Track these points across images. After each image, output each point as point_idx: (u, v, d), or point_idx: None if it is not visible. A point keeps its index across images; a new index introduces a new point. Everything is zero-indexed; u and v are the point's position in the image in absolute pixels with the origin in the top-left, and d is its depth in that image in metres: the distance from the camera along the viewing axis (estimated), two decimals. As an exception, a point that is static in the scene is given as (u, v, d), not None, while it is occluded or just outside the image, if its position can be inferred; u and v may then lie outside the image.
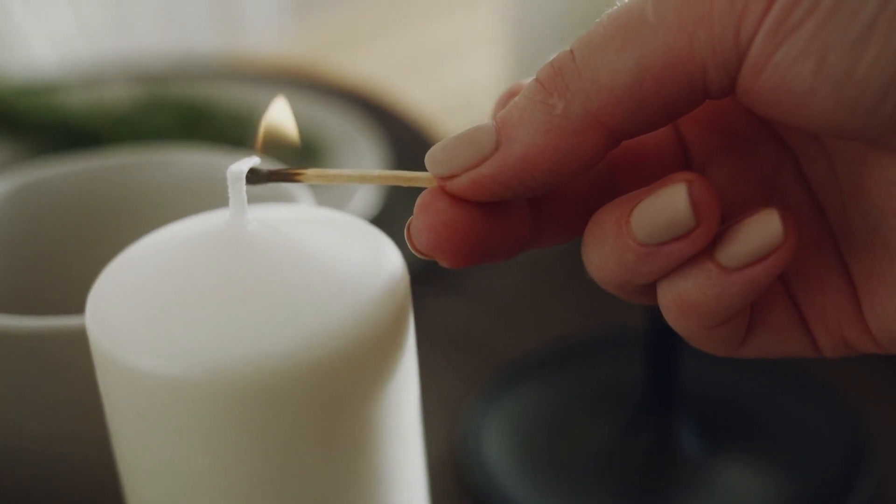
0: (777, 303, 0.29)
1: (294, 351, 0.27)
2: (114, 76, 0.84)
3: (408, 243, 0.28)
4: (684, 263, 0.26)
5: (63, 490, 0.40)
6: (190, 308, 0.28)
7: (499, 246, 0.28)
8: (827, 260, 0.28)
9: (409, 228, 0.28)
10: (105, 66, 0.88)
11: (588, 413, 0.52)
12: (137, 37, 1.31)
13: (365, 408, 0.29)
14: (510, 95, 0.30)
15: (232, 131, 0.71)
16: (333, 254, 0.30)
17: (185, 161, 0.48)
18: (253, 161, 0.30)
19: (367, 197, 0.61)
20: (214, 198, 0.42)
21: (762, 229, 0.25)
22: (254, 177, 0.30)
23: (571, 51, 0.26)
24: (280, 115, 0.32)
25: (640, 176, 0.29)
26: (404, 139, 0.74)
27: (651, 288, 0.28)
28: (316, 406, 0.28)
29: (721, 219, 0.26)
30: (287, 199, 0.43)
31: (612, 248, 0.27)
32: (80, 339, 0.35)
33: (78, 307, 0.38)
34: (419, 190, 0.29)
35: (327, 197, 0.58)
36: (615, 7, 0.26)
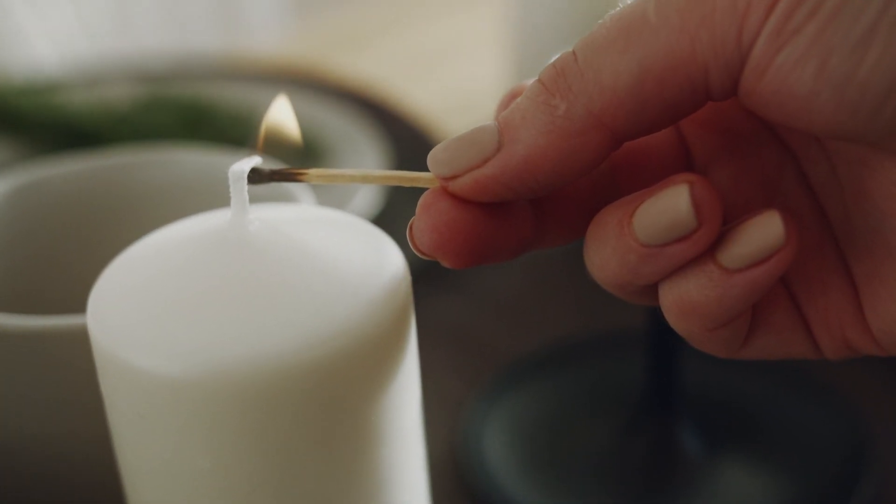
0: (779, 304, 0.29)
1: (295, 351, 0.27)
2: (115, 76, 0.84)
3: (410, 244, 0.28)
4: (686, 265, 0.26)
5: (64, 490, 0.40)
6: (191, 308, 0.28)
7: (501, 247, 0.28)
8: (828, 262, 0.28)
9: (411, 229, 0.28)
10: (106, 66, 0.88)
11: (589, 413, 0.52)
12: (138, 37, 1.31)
13: (366, 408, 0.29)
14: (512, 96, 0.30)
15: (233, 131, 0.71)
16: (335, 254, 0.30)
17: (186, 161, 0.49)
18: (254, 161, 0.30)
19: (368, 197, 0.61)
20: (215, 197, 0.42)
21: (764, 231, 0.25)
22: (255, 176, 0.30)
23: (574, 52, 0.26)
24: (282, 115, 0.32)
25: (642, 177, 0.29)
26: (405, 139, 0.74)
27: (653, 289, 0.28)
28: (317, 406, 0.28)
29: (723, 220, 0.26)
30: (288, 198, 0.43)
31: (613, 248, 0.27)
32: (81, 339, 0.35)
33: (79, 307, 0.38)
34: (421, 190, 0.29)
35: (328, 197, 0.58)
36: (617, 8, 0.26)
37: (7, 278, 0.47)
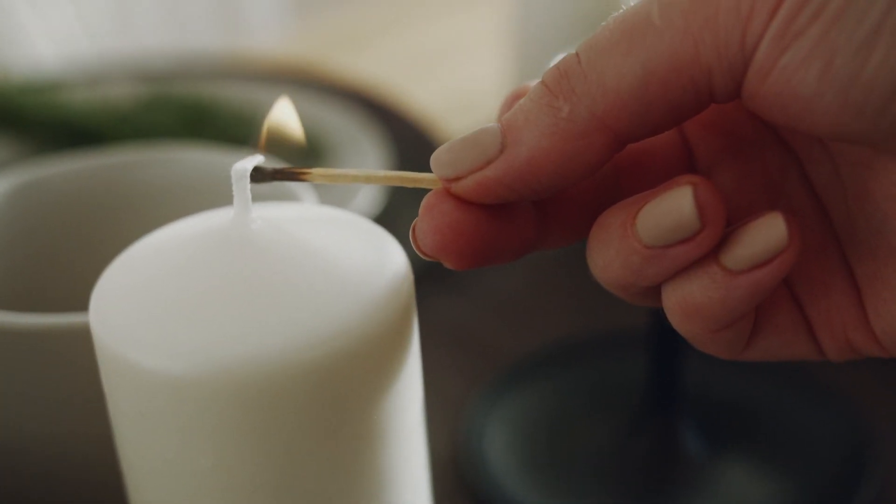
0: (782, 306, 0.29)
1: (298, 350, 0.27)
2: (116, 75, 0.84)
3: (413, 245, 0.28)
4: (689, 266, 0.26)
5: (66, 489, 0.40)
6: (194, 306, 0.28)
7: (504, 248, 0.28)
8: (831, 263, 0.28)
9: (414, 230, 0.28)
10: (107, 66, 0.88)
11: (590, 413, 0.52)
12: (138, 37, 1.31)
13: (369, 407, 0.29)
14: (515, 98, 0.30)
15: (234, 130, 0.71)
16: (337, 252, 0.30)
17: (188, 159, 0.49)
18: (257, 159, 0.30)
19: (369, 196, 0.61)
20: (217, 196, 0.42)
21: (767, 233, 0.25)
22: (258, 175, 0.30)
23: (577, 54, 0.26)
24: (285, 115, 0.32)
25: (645, 179, 0.29)
26: (407, 139, 0.74)
27: (656, 290, 0.28)
28: (319, 405, 0.28)
29: (726, 222, 0.26)
30: (290, 197, 0.43)
31: (617, 250, 0.27)
32: (83, 337, 0.35)
33: (80, 305, 0.38)
34: (424, 191, 0.29)
35: (329, 196, 0.58)
36: (621, 10, 0.26)
37: (8, 277, 0.47)
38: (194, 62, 0.89)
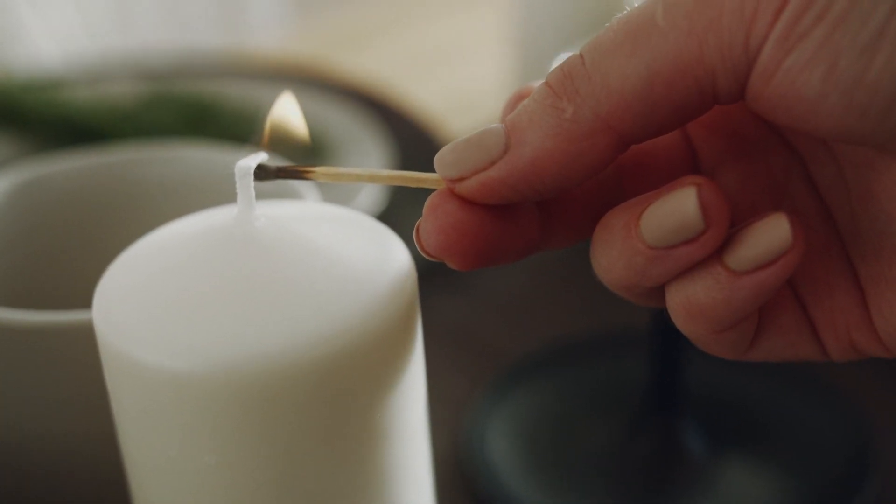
0: (785, 307, 0.29)
1: (301, 348, 0.27)
2: (117, 74, 0.84)
3: (416, 245, 0.28)
4: (693, 267, 0.26)
5: (69, 487, 0.40)
6: (197, 304, 0.28)
7: (507, 248, 0.28)
8: (835, 264, 0.29)
9: (417, 230, 0.28)
10: (108, 64, 0.88)
11: (592, 413, 0.52)
12: (139, 36, 1.31)
13: (372, 405, 0.29)
14: (518, 98, 0.30)
15: (236, 129, 0.71)
16: (341, 250, 0.30)
17: (190, 157, 0.48)
18: (261, 157, 0.30)
19: (371, 195, 0.61)
20: (219, 194, 0.42)
21: (771, 233, 0.25)
22: (262, 173, 0.30)
23: (581, 55, 0.26)
24: (288, 112, 0.32)
25: (648, 179, 0.29)
26: (408, 139, 0.74)
27: (659, 291, 0.28)
28: (323, 403, 0.28)
29: (730, 223, 0.26)
30: (292, 195, 0.43)
31: (620, 251, 0.27)
32: (86, 335, 0.35)
33: (81, 303, 0.38)
34: (427, 190, 0.29)
35: (331, 195, 0.58)
36: (625, 11, 0.26)
37: (10, 275, 0.47)
38: (195, 61, 0.89)
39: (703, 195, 0.25)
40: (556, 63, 0.51)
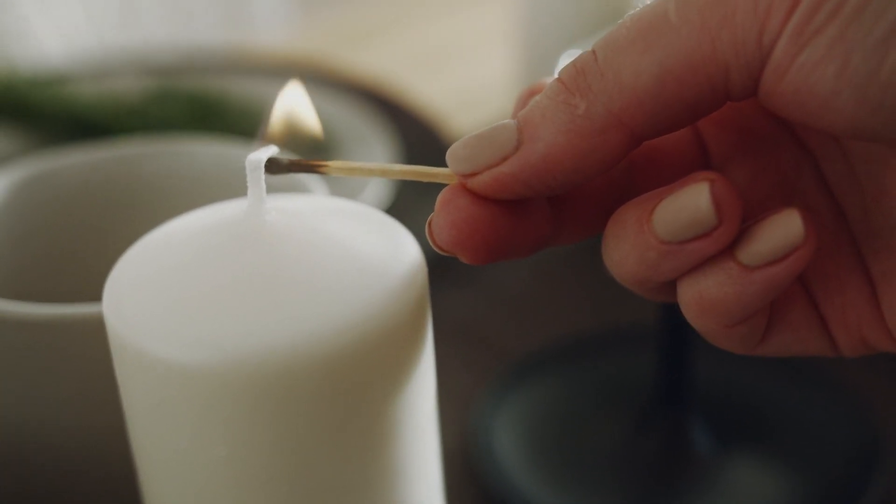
0: (796, 302, 0.29)
1: (312, 340, 0.28)
2: (122, 69, 0.84)
3: (428, 239, 0.28)
4: (705, 262, 0.26)
5: (78, 481, 0.40)
6: (208, 297, 0.28)
7: (519, 243, 0.28)
8: (846, 261, 0.29)
9: (430, 225, 0.28)
10: (113, 60, 0.88)
11: (599, 410, 0.52)
12: (144, 32, 1.30)
13: (382, 398, 0.29)
14: (530, 94, 0.30)
15: (242, 124, 0.71)
16: (352, 244, 0.30)
17: (197, 152, 0.49)
18: (271, 151, 0.30)
19: (376, 190, 0.61)
20: (227, 189, 0.42)
21: (783, 228, 0.25)
22: (273, 167, 0.30)
23: (594, 51, 0.26)
24: (300, 106, 0.32)
25: (659, 175, 0.30)
26: (413, 135, 0.74)
27: (671, 286, 0.28)
28: (334, 396, 0.28)
29: (743, 218, 0.26)
30: (300, 189, 0.43)
31: (633, 245, 0.27)
32: (95, 328, 0.35)
33: (88, 298, 0.38)
34: (437, 185, 0.29)
35: (336, 190, 0.58)
36: (638, 8, 0.26)
37: (17, 270, 0.47)
38: (201, 57, 0.89)
39: (715, 190, 0.25)
40: (561, 60, 0.51)
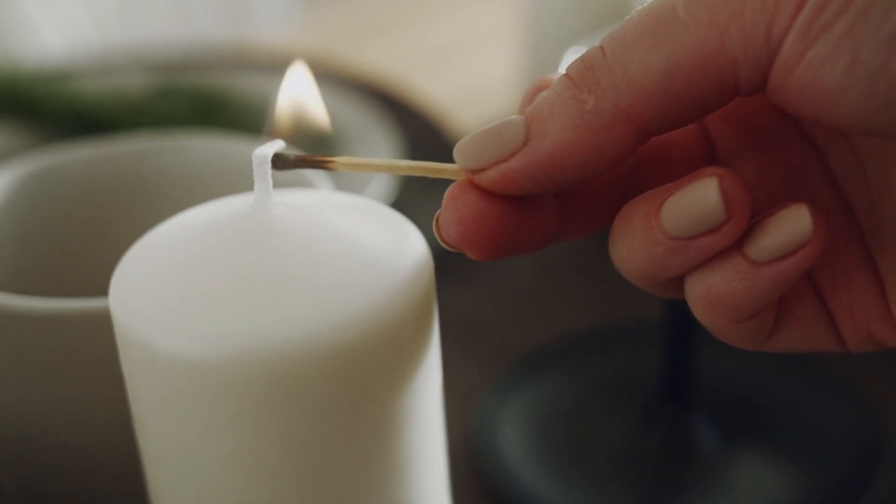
0: (804, 298, 0.29)
1: (320, 335, 0.28)
2: (125, 66, 0.84)
3: (436, 235, 0.28)
4: (713, 257, 0.26)
5: (84, 477, 0.40)
6: (216, 291, 0.28)
7: (526, 239, 0.28)
8: (854, 256, 0.29)
9: (437, 221, 0.28)
10: (115, 57, 0.88)
11: (603, 406, 0.52)
12: (145, 28, 1.30)
13: (389, 392, 0.30)
14: (537, 90, 0.30)
15: (246, 120, 0.71)
16: (358, 238, 0.30)
17: (201, 147, 0.49)
18: (278, 145, 0.30)
19: (380, 186, 0.61)
20: (231, 184, 0.42)
21: (792, 223, 0.25)
22: (280, 162, 0.30)
23: (602, 47, 0.26)
24: (308, 99, 0.32)
25: (667, 170, 0.30)
26: (418, 132, 0.74)
27: (678, 281, 0.28)
28: (341, 390, 0.28)
29: (751, 213, 0.26)
30: (305, 184, 0.43)
31: (640, 241, 0.27)
32: (101, 322, 0.35)
33: (91, 293, 0.38)
34: (444, 182, 0.29)
35: (339, 185, 0.58)
36: (646, 4, 0.26)
37: (20, 266, 0.47)
38: (204, 53, 0.89)
39: (724, 185, 0.25)
40: (565, 58, 0.51)
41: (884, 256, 0.28)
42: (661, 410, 0.49)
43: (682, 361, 0.48)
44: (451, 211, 0.28)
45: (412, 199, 0.60)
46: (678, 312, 0.46)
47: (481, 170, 0.27)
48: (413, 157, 0.69)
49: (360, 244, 0.30)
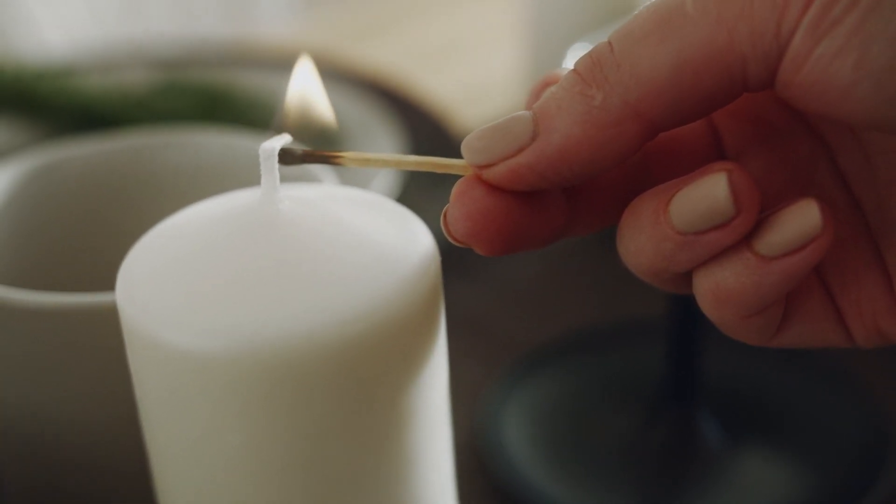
0: (812, 293, 0.29)
1: (327, 329, 0.28)
2: (127, 62, 0.83)
3: (444, 230, 0.28)
4: (722, 252, 0.26)
5: (90, 472, 0.40)
6: (223, 285, 0.28)
7: (534, 235, 0.28)
8: (862, 252, 0.29)
9: (445, 216, 0.28)
10: (117, 53, 0.88)
11: (608, 403, 0.52)
12: (147, 25, 1.30)
13: (396, 386, 0.30)
14: (544, 85, 0.30)
15: (250, 116, 0.71)
16: (365, 233, 0.30)
17: (205, 143, 0.48)
18: (284, 140, 0.30)
19: (384, 181, 0.61)
20: (236, 179, 0.42)
21: (801, 219, 0.25)
22: (287, 157, 0.30)
23: (610, 42, 0.26)
24: (314, 95, 0.32)
25: (674, 166, 0.30)
26: (421, 129, 0.74)
27: (686, 277, 0.28)
28: (348, 384, 0.28)
29: (760, 208, 0.26)
30: (310, 179, 0.43)
31: (649, 236, 0.27)
32: (108, 317, 0.35)
33: (96, 288, 0.38)
34: (452, 177, 0.29)
35: (343, 180, 0.58)
36: (649, 1, 0.26)
37: (25, 261, 0.47)
38: (207, 49, 0.89)
39: (733, 180, 0.25)
40: (569, 54, 0.51)
41: (892, 251, 0.28)
42: (665, 407, 0.49)
43: (687, 358, 0.48)
44: (459, 206, 0.28)
45: (417, 195, 0.60)
46: (683, 309, 0.46)
47: (489, 165, 0.27)
48: (418, 154, 0.69)
49: (368, 238, 0.30)
